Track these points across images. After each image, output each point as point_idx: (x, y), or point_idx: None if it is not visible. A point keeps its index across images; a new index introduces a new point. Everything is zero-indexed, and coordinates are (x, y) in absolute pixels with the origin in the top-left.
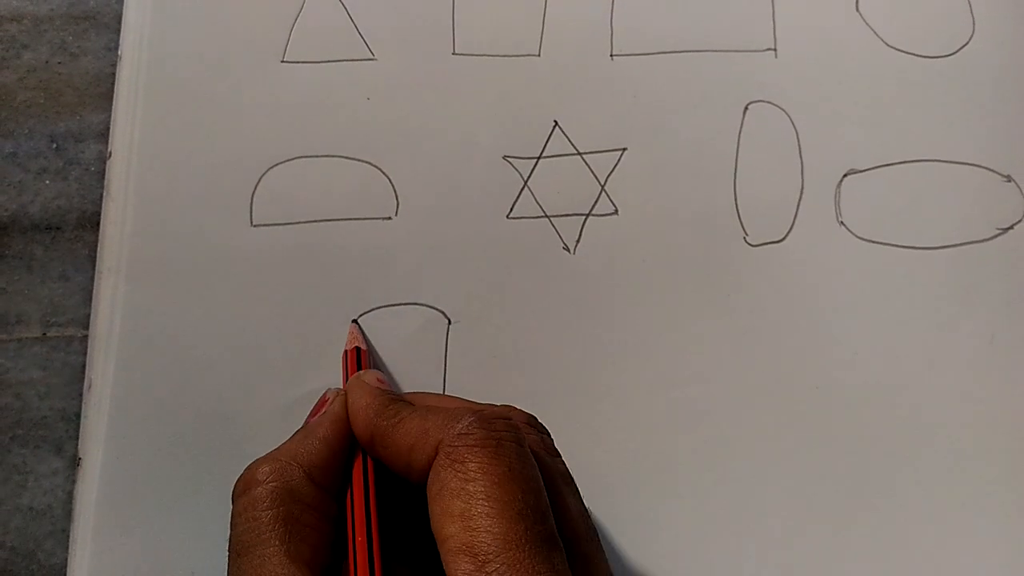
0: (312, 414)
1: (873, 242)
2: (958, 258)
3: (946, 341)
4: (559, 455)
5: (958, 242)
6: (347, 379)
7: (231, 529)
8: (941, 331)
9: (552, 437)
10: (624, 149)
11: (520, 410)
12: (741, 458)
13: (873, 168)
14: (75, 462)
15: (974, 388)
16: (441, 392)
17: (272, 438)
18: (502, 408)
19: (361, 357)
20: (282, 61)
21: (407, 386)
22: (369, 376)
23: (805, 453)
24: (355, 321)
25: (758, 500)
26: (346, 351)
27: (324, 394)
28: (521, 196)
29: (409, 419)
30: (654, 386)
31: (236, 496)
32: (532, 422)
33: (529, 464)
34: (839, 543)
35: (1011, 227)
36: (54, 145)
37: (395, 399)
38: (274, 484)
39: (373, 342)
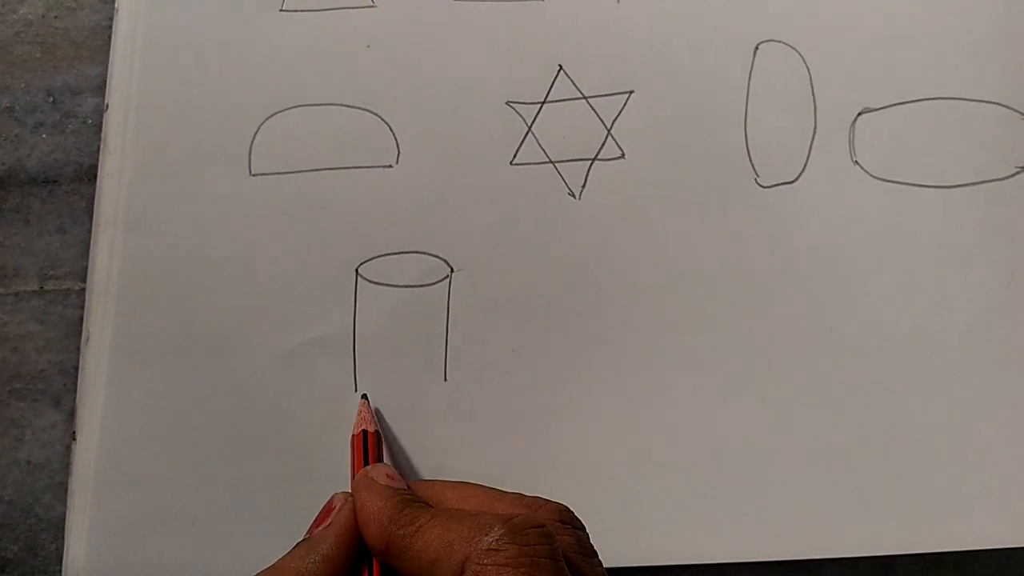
0: (316, 523)
1: (888, 181)
2: (975, 197)
3: (963, 281)
4: (595, 554)
5: (975, 180)
6: (355, 471)
7: None
8: (958, 271)
9: (587, 533)
10: (631, 92)
11: (551, 504)
12: (753, 402)
13: (888, 106)
14: (72, 436)
15: (992, 329)
16: (444, 340)
17: (273, 389)
18: (534, 507)
19: (369, 443)
20: (281, 10)
21: (409, 336)
22: (378, 472)
23: (819, 396)
24: (364, 397)
25: (771, 444)
26: (353, 435)
27: (330, 500)
28: (525, 142)
29: (429, 528)
30: (663, 332)
31: None
32: (565, 518)
33: None
34: (853, 485)
35: None
36: (51, 99)
37: (410, 500)
38: None
39: (375, 291)
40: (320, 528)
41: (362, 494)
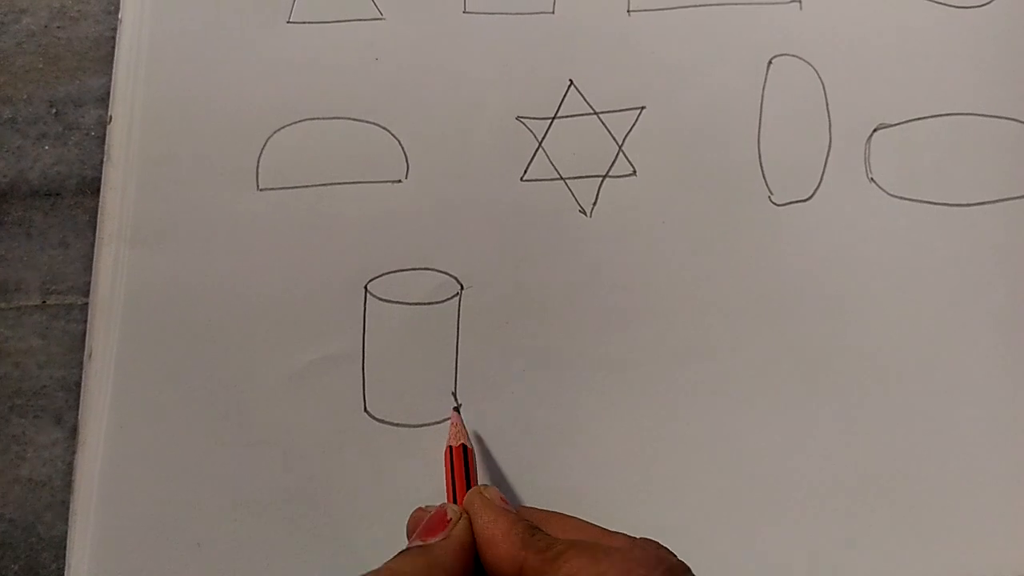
0: (428, 531)
1: (905, 199)
2: (994, 215)
3: (982, 302)
4: None
5: (994, 199)
6: (453, 481)
7: None
8: (977, 291)
9: None
10: (642, 108)
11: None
12: (765, 423)
13: (904, 122)
14: (73, 433)
15: (1012, 351)
16: (455, 358)
17: (282, 406)
18: (671, 556)
19: (469, 459)
20: (288, 21)
21: (418, 354)
22: (492, 493)
23: (832, 418)
24: (456, 408)
25: (782, 466)
26: (450, 447)
27: (440, 511)
28: (535, 158)
29: (574, 557)
30: (675, 354)
31: None
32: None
33: None
34: (867, 509)
35: None
36: (53, 110)
37: (534, 526)
38: None
39: (385, 309)
40: (437, 539)
41: (483, 513)
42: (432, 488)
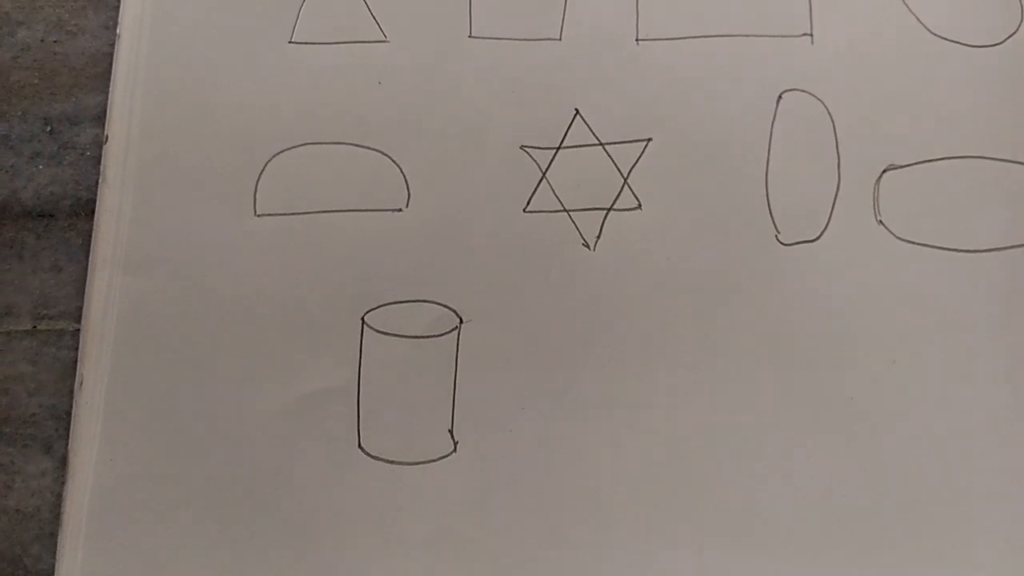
0: None
1: (914, 243)
2: (1005, 262)
3: (991, 350)
4: None
5: (1005, 245)
6: None
7: None
8: (986, 340)
9: None
10: (649, 140)
11: None
12: (770, 471)
13: (915, 164)
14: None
15: (1019, 398)
16: (452, 394)
17: (275, 439)
18: None
19: None
20: (290, 42)
21: (415, 389)
22: None
23: (839, 468)
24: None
25: (786, 515)
26: None
27: None
28: (539, 189)
29: None
30: (678, 394)
31: None
32: None
33: None
34: (872, 561)
35: None
36: (48, 128)
37: None
38: None
39: (381, 341)
40: None
41: None
42: (427, 525)
